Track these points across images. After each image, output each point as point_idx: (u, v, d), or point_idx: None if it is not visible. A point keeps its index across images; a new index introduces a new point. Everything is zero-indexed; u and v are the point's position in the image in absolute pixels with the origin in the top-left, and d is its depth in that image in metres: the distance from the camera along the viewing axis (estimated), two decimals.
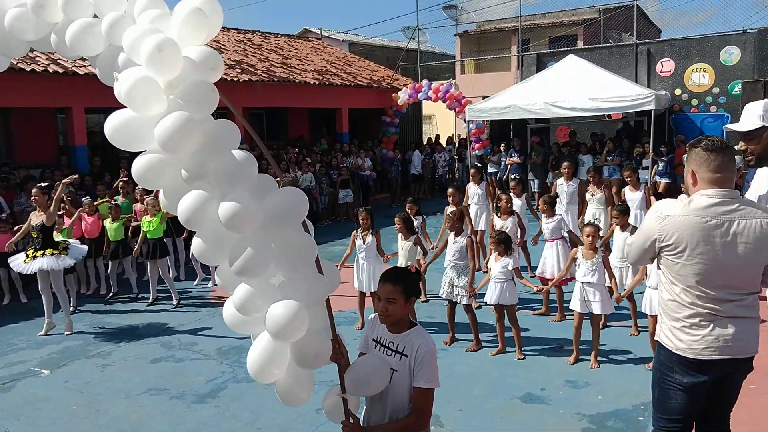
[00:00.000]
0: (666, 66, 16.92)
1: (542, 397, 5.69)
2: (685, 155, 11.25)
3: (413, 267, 3.35)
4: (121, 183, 10.93)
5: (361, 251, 7.54)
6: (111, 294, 9.71)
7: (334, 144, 18.68)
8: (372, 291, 6.93)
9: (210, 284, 10.01)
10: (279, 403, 3.10)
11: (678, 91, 16.66)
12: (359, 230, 7.60)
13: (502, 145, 17.56)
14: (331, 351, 2.97)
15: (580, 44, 24.54)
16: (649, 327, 6.18)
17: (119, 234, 9.59)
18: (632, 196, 9.50)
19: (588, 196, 9.96)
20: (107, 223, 9.59)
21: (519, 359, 6.54)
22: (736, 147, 3.63)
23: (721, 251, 3.04)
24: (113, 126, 2.81)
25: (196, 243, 2.97)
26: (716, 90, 16.21)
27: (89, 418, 5.70)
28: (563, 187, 10.18)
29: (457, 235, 7.01)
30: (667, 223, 3.13)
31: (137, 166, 2.81)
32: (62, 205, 9.20)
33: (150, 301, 9.23)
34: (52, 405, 6.01)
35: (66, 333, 8.00)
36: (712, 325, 3.10)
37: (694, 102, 16.50)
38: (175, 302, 9.06)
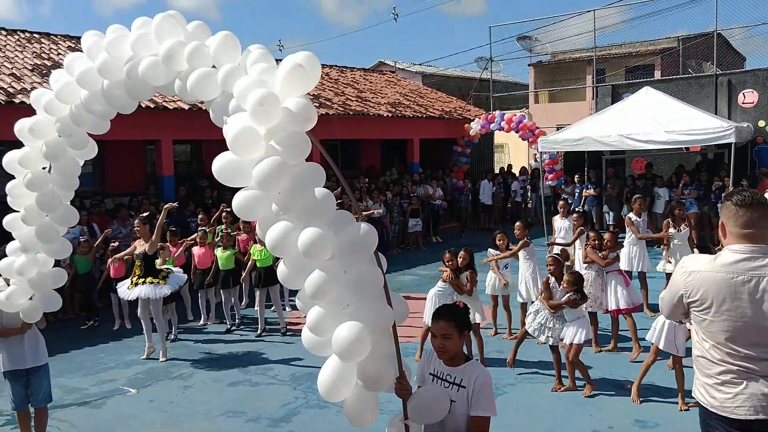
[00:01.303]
0: (749, 97, 16.44)
1: None
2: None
3: (460, 303, 3.58)
4: (224, 213, 11.37)
5: (440, 285, 7.53)
6: (232, 326, 9.70)
7: (405, 173, 18.98)
8: None
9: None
10: (349, 428, 3.35)
11: (761, 123, 16.11)
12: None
13: (576, 176, 17.41)
14: (394, 377, 3.23)
15: (657, 74, 24.11)
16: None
17: (230, 263, 9.72)
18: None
19: (672, 231, 9.50)
20: (218, 251, 9.77)
21: (586, 396, 6.53)
22: None
23: (750, 308, 2.95)
24: (220, 165, 3.29)
25: (281, 268, 3.39)
26: None
27: None
28: (638, 222, 9.93)
29: (559, 281, 6.91)
30: (692, 279, 3.10)
31: (238, 200, 3.29)
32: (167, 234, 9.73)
33: (259, 331, 9.33)
34: (139, 423, 6.44)
35: (161, 360, 8.31)
36: (745, 383, 3.00)
37: None
38: (259, 330, 9.32)
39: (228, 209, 11.45)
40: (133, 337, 9.40)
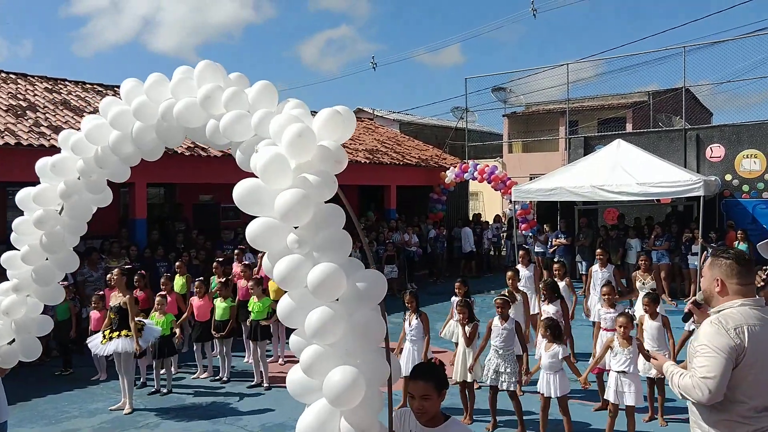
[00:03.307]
0: (716, 151, 16.88)
1: None
2: (736, 242, 11.04)
3: (437, 359, 3.50)
4: (216, 264, 11.06)
5: (408, 334, 7.56)
6: (225, 378, 9.32)
7: (381, 219, 19.01)
8: None
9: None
10: None
11: (728, 177, 16.54)
12: (407, 312, 7.66)
13: (546, 225, 17.62)
14: None
15: (629, 126, 24.68)
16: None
17: (226, 314, 9.40)
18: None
19: (638, 284, 9.69)
20: (218, 302, 9.47)
21: None
22: None
23: None
24: (242, 189, 3.28)
25: (284, 303, 3.30)
26: None
27: None
28: (597, 273, 10.09)
29: (504, 320, 7.00)
30: (738, 333, 3.04)
31: (252, 228, 3.23)
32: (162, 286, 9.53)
33: (255, 382, 9.02)
34: None
35: (125, 412, 7.96)
36: None
37: (746, 188, 16.33)
38: (255, 381, 9.03)
39: (220, 258, 11.37)
40: (99, 384, 9.15)
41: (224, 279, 10.18)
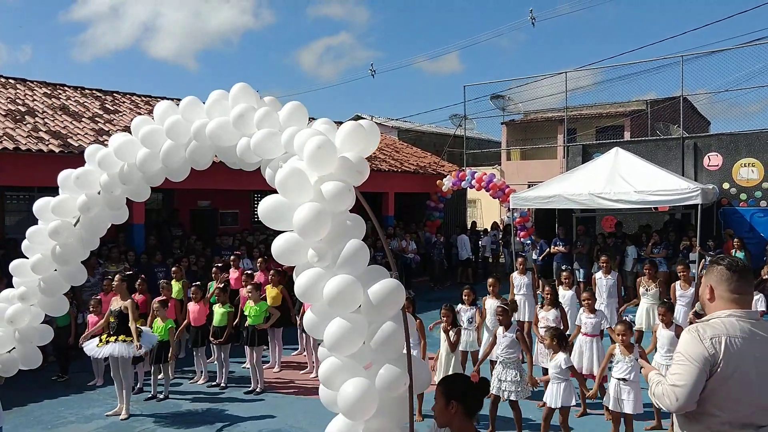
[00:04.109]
0: (713, 160, 16.93)
1: None
2: (733, 250, 11.06)
3: (474, 376, 3.46)
4: (215, 269, 11.06)
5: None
6: (223, 384, 9.26)
7: (379, 226, 19.01)
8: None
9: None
10: None
11: (726, 185, 16.59)
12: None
13: (533, 235, 17.75)
14: None
15: (627, 135, 24.72)
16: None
17: (224, 319, 9.33)
18: (683, 293, 9.34)
19: (642, 290, 9.68)
20: (216, 307, 9.43)
21: None
22: None
23: (755, 372, 2.89)
24: (266, 206, 3.34)
25: (308, 316, 3.35)
26: (766, 185, 16.09)
27: None
28: (602, 280, 10.09)
29: (506, 329, 6.97)
30: (713, 344, 2.93)
31: (278, 244, 3.29)
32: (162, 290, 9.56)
33: (252, 388, 9.00)
34: None
35: (122, 418, 7.95)
36: None
37: (743, 196, 16.38)
38: (252, 387, 9.01)
39: (220, 264, 11.36)
40: (95, 390, 9.12)
41: (222, 284, 10.17)
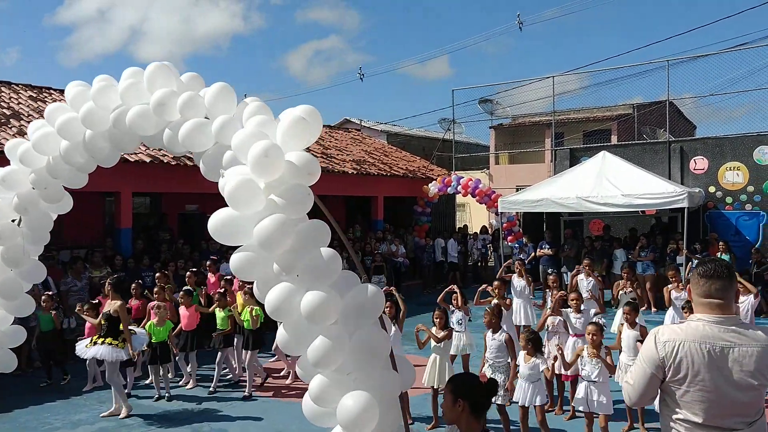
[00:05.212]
0: (699, 164, 17.07)
1: None
2: (718, 253, 11.20)
3: (483, 376, 3.47)
4: (189, 273, 11.04)
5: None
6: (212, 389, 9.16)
7: (368, 230, 19.01)
8: None
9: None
10: None
11: (712, 189, 16.72)
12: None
13: (524, 238, 17.80)
14: None
15: (614, 139, 24.85)
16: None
17: (226, 323, 9.34)
18: (677, 295, 9.36)
19: (621, 293, 9.84)
20: (217, 311, 9.48)
21: None
22: None
23: (721, 378, 2.90)
24: (216, 223, 3.12)
25: (280, 333, 3.16)
26: (751, 188, 16.23)
27: None
28: (583, 282, 10.13)
29: (494, 332, 6.93)
30: (668, 348, 2.99)
31: (236, 259, 3.10)
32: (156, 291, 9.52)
33: (247, 392, 8.88)
34: None
35: (121, 417, 7.96)
36: None
37: (729, 200, 16.52)
38: (212, 388, 9.07)
39: (194, 269, 11.31)
40: (82, 395, 9.04)
41: (223, 290, 10.09)
